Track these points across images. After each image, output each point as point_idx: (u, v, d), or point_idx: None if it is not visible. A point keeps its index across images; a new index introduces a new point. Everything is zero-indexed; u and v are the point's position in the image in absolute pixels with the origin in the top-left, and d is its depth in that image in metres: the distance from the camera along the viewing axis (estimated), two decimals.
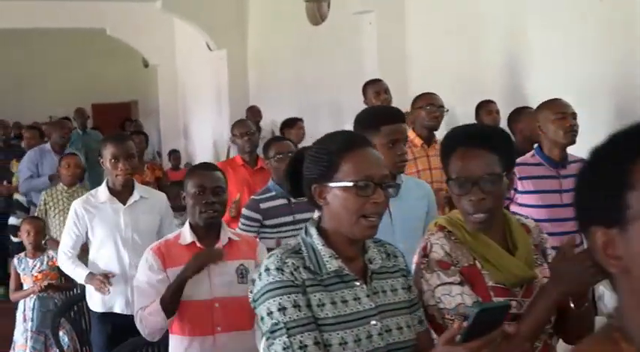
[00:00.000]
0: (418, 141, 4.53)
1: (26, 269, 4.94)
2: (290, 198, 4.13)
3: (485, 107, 5.39)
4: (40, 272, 4.92)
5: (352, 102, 8.14)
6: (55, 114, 14.59)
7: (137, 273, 3.02)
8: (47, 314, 4.77)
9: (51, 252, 5.00)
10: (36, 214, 5.76)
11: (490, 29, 6.10)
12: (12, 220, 7.16)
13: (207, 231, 3.01)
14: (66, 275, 4.89)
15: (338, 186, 1.86)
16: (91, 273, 3.84)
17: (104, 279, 3.76)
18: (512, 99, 5.78)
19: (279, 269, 1.83)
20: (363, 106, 7.45)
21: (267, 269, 1.84)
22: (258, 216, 4.08)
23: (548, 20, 5.46)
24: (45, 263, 4.95)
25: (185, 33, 12.21)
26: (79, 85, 14.95)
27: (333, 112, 8.39)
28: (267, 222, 4.12)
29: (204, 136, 11.95)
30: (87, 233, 3.88)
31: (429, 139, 4.56)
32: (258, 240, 3.20)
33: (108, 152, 3.79)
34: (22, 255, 5.04)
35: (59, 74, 15.08)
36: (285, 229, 4.12)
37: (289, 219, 4.14)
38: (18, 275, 4.96)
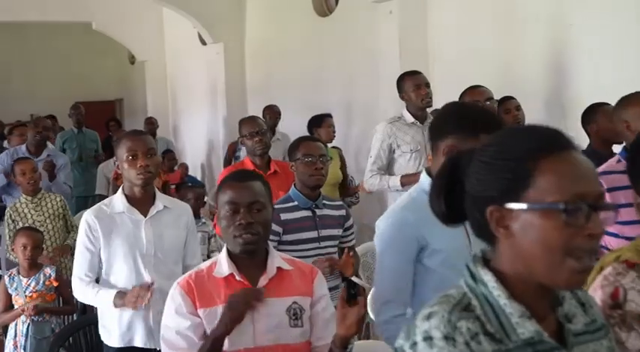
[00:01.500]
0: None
1: (19, 288, 4.27)
2: (315, 210, 3.56)
3: (503, 105, 4.74)
4: (35, 292, 4.26)
5: (366, 100, 7.64)
6: (38, 112, 13.99)
7: (164, 316, 2.40)
8: (42, 342, 4.12)
9: (48, 270, 4.35)
10: (6, 238, 5.12)
11: (530, 21, 5.53)
12: None
13: (249, 259, 2.41)
14: (67, 296, 4.28)
15: (533, 209, 1.25)
16: (120, 292, 3.10)
17: (144, 291, 3.05)
18: (555, 99, 5.26)
19: (449, 339, 1.23)
20: (381, 104, 7.06)
21: (427, 338, 1.24)
22: (277, 229, 3.41)
23: (596, 17, 4.93)
24: (41, 282, 4.30)
25: (176, 26, 11.58)
26: (61, 82, 14.29)
27: (341, 112, 7.79)
28: (287, 237, 3.48)
29: (197, 136, 11.29)
30: (100, 250, 3.20)
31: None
32: (316, 271, 2.57)
33: (124, 148, 3.12)
34: (14, 272, 4.36)
35: (41, 70, 14.38)
36: (307, 247, 3.49)
37: (313, 234, 3.52)
38: (9, 296, 4.29)
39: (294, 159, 3.66)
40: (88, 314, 4.12)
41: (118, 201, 3.20)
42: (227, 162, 9.06)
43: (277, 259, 2.45)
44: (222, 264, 2.39)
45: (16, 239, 4.40)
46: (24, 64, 14.26)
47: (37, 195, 5.16)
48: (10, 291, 4.28)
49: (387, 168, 4.84)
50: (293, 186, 3.67)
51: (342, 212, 3.63)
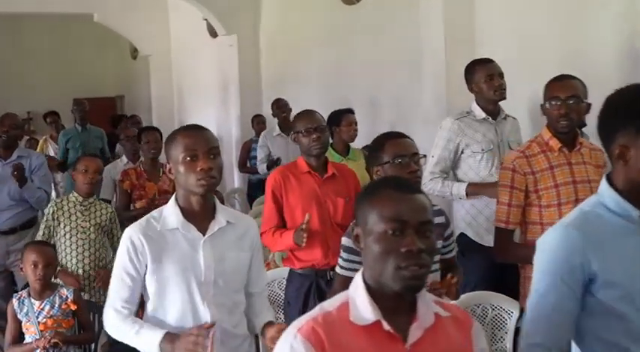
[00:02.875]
0: (555, 143, 3.32)
1: (30, 314, 3.61)
2: None
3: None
4: (49, 318, 3.61)
5: (400, 94, 7.02)
6: (35, 109, 13.37)
7: None
8: None
9: (64, 291, 3.70)
10: (40, 234, 4.48)
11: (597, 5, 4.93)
12: None
13: (397, 302, 1.76)
14: (86, 321, 3.63)
15: None
16: (170, 334, 2.42)
17: (203, 335, 2.34)
18: None
19: None
20: (421, 98, 6.40)
21: None
22: None
23: None
24: (57, 305, 3.65)
25: (182, 17, 10.92)
26: (59, 78, 13.68)
27: (369, 107, 7.17)
28: None
29: None
30: (145, 276, 2.52)
31: (571, 141, 3.35)
32: (471, 318, 1.92)
33: (179, 147, 2.48)
34: (23, 294, 3.71)
35: (37, 66, 13.71)
36: None
37: None
38: (18, 323, 3.64)
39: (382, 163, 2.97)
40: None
41: (171, 213, 2.53)
42: (241, 162, 8.44)
43: (430, 303, 1.81)
44: (362, 307, 1.75)
45: (25, 255, 3.74)
46: (19, 60, 13.61)
47: (88, 199, 4.59)
48: (19, 317, 3.63)
49: (451, 171, 4.22)
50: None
51: (442, 219, 2.96)
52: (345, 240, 2.83)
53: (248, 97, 9.17)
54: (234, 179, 9.52)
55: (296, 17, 8.50)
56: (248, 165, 8.42)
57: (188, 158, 2.44)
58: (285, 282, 3.88)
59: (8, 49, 13.53)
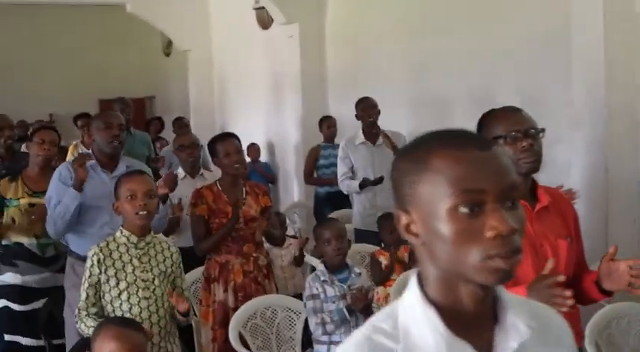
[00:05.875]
0: None
1: None
2: None
3: None
4: None
5: (534, 92, 5.63)
6: (57, 111, 12.30)
7: None
8: None
9: None
10: (83, 298, 3.12)
11: None
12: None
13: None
14: None
15: None
16: None
17: None
18: None
19: None
20: (570, 96, 5.00)
21: None
22: None
23: None
24: None
25: (227, 7, 9.77)
26: (83, 77, 12.76)
27: (479, 108, 5.87)
28: None
29: (254, 139, 9.31)
30: None
31: None
32: None
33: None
34: None
35: (59, 63, 12.74)
36: None
37: None
38: None
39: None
40: None
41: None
42: (308, 172, 7.18)
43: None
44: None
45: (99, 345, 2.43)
46: (39, 57, 12.66)
47: (144, 238, 3.19)
48: None
49: None
50: None
51: None
52: None
53: (311, 97, 7.88)
54: (294, 192, 8.24)
55: (369, 3, 7.23)
56: (315, 175, 7.19)
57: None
58: None
59: (27, 46, 12.49)
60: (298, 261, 4.78)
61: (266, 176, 8.47)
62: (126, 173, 3.38)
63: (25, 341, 4.42)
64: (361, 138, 5.85)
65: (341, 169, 5.91)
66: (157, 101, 13.20)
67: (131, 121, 6.68)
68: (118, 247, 3.12)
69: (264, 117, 9.10)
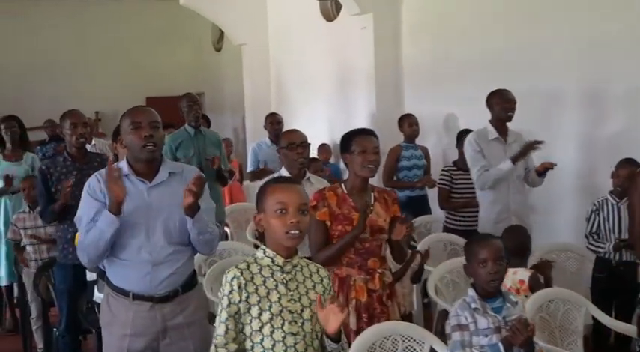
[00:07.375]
0: None
1: None
2: None
3: None
4: None
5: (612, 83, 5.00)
6: (103, 109, 11.97)
7: None
8: None
9: None
10: (221, 332, 2.51)
11: None
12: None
13: None
14: None
15: None
16: None
17: None
18: None
19: None
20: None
21: None
22: None
23: None
24: None
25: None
26: (129, 74, 12.49)
27: (586, 105, 5.34)
28: None
29: (317, 139, 8.76)
30: None
31: None
32: None
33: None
34: None
35: (105, 60, 12.48)
36: None
37: None
38: None
39: None
40: None
41: None
42: (388, 174, 6.61)
43: None
44: None
45: None
46: (85, 54, 12.44)
47: (292, 260, 2.62)
48: None
49: None
50: None
51: None
52: None
53: (386, 93, 7.34)
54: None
55: None
56: (395, 178, 6.63)
57: None
58: None
59: (73, 44, 12.30)
60: (418, 276, 4.31)
61: (334, 180, 7.94)
62: (274, 180, 2.76)
63: None
64: (494, 133, 5.24)
65: (477, 163, 5.22)
66: (206, 98, 12.78)
67: (202, 119, 6.18)
68: (260, 270, 2.56)
69: (329, 115, 8.58)
